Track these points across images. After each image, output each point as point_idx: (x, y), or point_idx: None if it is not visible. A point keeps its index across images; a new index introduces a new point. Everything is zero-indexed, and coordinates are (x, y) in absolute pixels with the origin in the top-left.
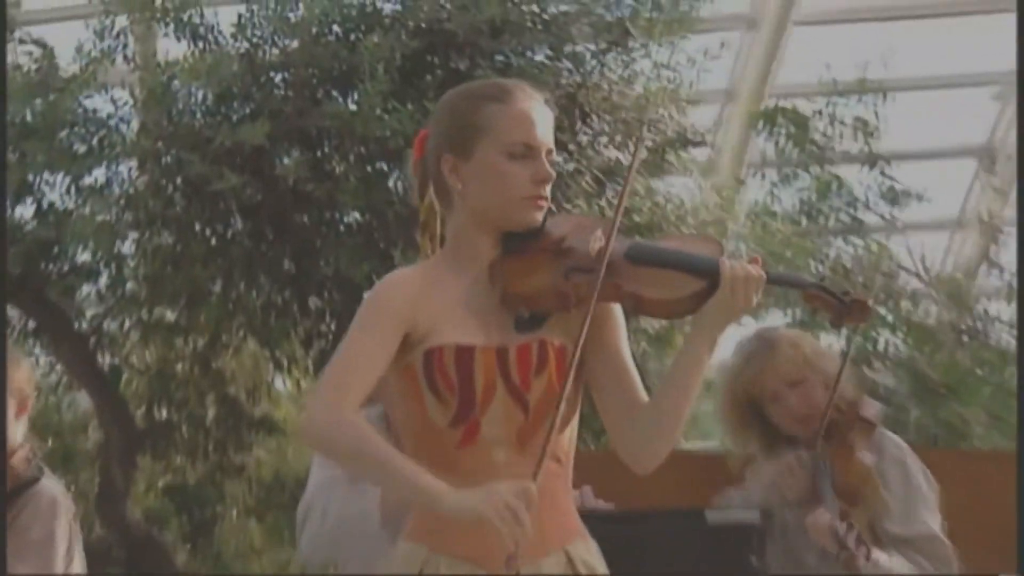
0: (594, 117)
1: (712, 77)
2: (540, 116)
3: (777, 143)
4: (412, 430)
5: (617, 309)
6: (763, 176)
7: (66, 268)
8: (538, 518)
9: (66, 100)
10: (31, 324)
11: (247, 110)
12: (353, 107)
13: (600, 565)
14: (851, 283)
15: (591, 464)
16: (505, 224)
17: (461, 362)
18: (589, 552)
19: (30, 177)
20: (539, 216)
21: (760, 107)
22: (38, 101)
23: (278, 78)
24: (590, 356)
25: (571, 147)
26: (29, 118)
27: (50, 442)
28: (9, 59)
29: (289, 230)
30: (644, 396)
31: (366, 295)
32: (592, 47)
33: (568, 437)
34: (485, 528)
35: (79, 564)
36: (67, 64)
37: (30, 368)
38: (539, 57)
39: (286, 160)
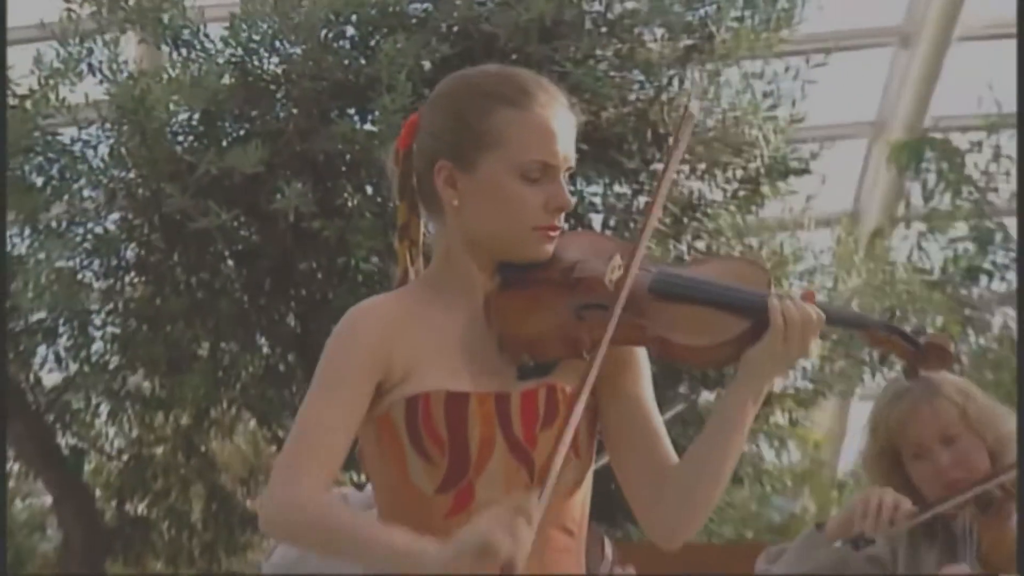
0: (669, 139)
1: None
2: (563, 126)
3: (925, 184)
4: (389, 497)
5: (641, 350)
6: (907, 225)
7: (19, 327)
8: None
9: (19, 121)
10: None
11: (239, 131)
12: (370, 127)
13: None
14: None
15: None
16: (506, 256)
17: (452, 412)
18: None
19: None
20: (549, 250)
21: (906, 137)
22: None
23: (278, 92)
24: (606, 406)
25: (642, 176)
26: None
27: None
28: None
29: (292, 279)
30: (672, 456)
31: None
32: (668, 53)
33: (580, 502)
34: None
35: None
36: (20, 77)
37: None
38: (602, 66)
39: (287, 192)
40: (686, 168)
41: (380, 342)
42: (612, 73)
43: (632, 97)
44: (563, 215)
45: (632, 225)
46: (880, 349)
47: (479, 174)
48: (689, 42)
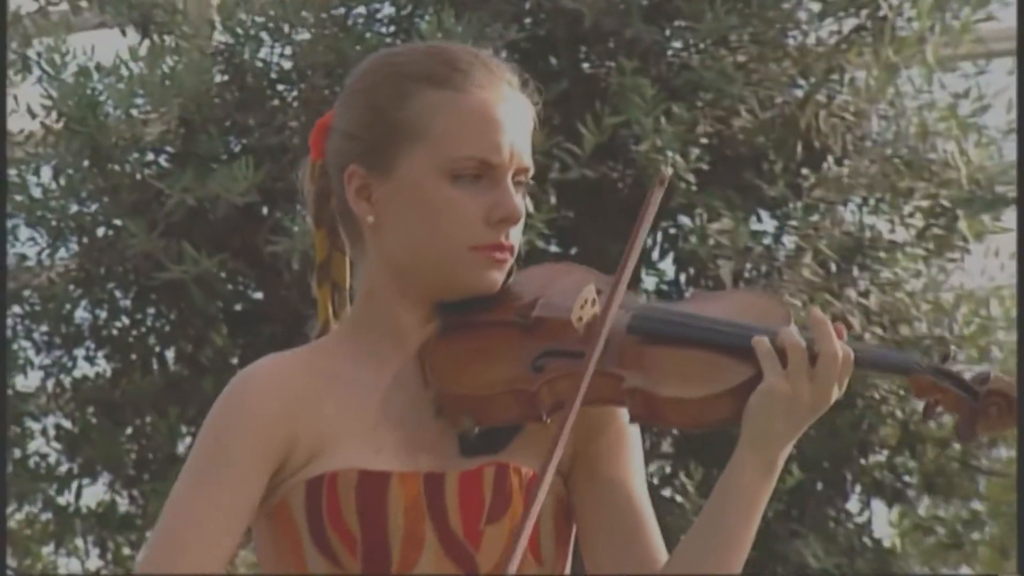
0: (829, 156)
1: None
2: (510, 113)
3: None
4: None
5: (625, 415)
6: None
7: None
8: None
9: None
10: None
11: (228, 147)
12: None
13: None
14: None
15: None
16: (440, 288)
17: (367, 497)
18: None
19: None
20: (496, 278)
21: None
22: None
23: (281, 94)
24: (580, 491)
25: (790, 205)
26: None
27: None
28: None
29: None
30: (660, 552)
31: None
32: (825, 37)
33: None
34: None
35: None
36: None
37: None
38: (740, 56)
39: (291, 229)
40: (856, 197)
41: (279, 417)
42: (751, 65)
43: (778, 99)
44: (515, 230)
45: (779, 276)
46: (926, 398)
47: (397, 178)
48: (856, 23)
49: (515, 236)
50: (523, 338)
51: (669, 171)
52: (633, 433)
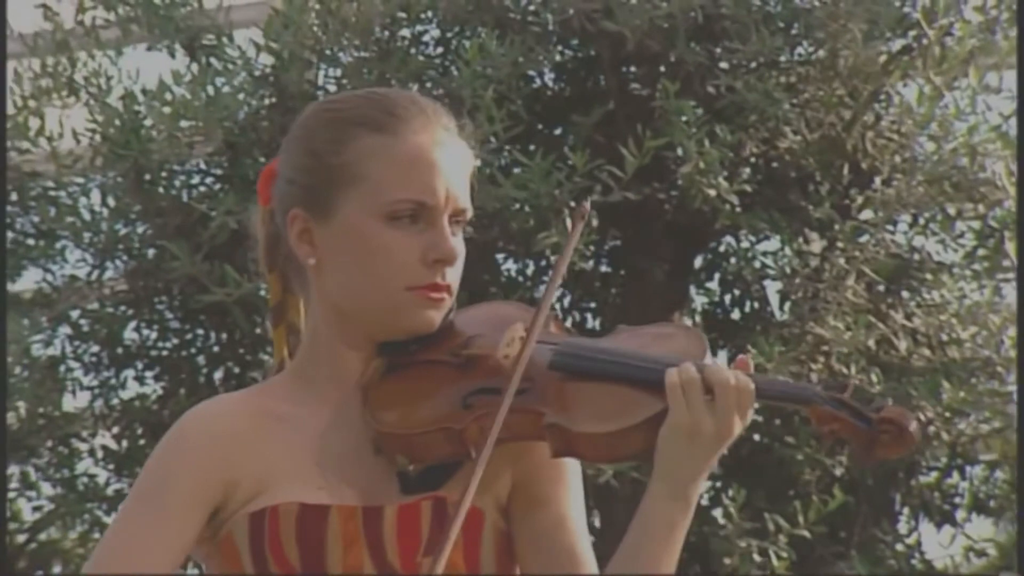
0: (876, 178)
1: None
2: (446, 157)
3: None
4: None
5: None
6: None
7: None
8: None
9: None
10: None
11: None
12: None
13: None
14: None
15: None
16: (380, 328)
17: (307, 530)
18: None
19: None
20: (433, 317)
21: None
22: None
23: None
24: (519, 525)
25: (836, 227)
26: None
27: None
28: None
29: None
30: None
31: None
32: (873, 56)
33: None
34: None
35: None
36: None
37: None
38: (787, 77)
39: None
40: (904, 218)
41: (216, 461)
42: (799, 86)
43: (827, 119)
44: (452, 270)
45: (824, 297)
46: (825, 430)
47: (336, 222)
48: (905, 43)
49: (452, 276)
50: (457, 376)
51: (587, 206)
52: (572, 466)
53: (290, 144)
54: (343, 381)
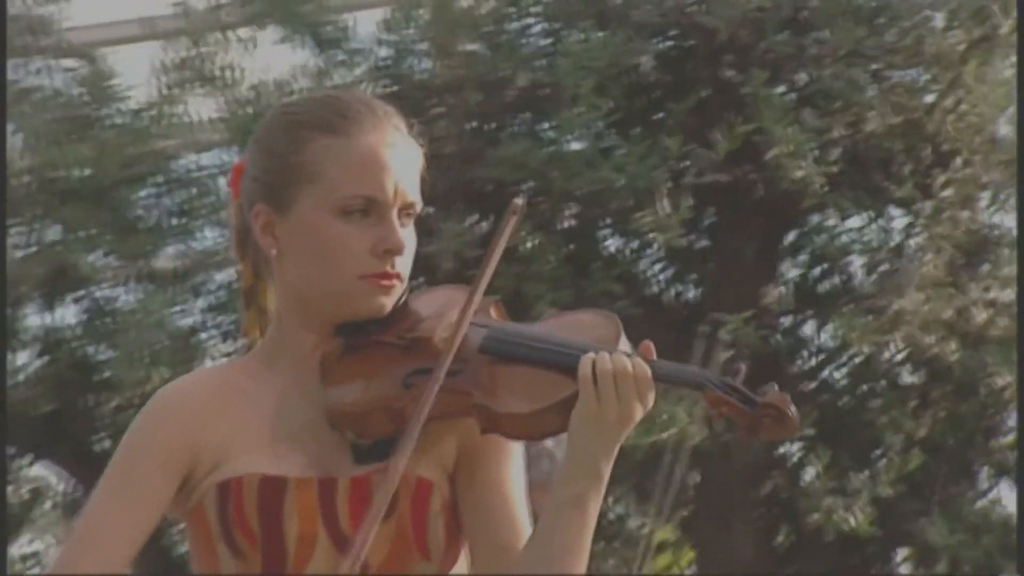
0: (956, 159)
1: None
2: (396, 157)
3: None
4: None
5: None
6: None
7: (134, 399)
8: None
9: (128, 145)
10: (79, 492)
11: None
12: (549, 148)
13: None
14: None
15: None
16: (335, 313)
17: (266, 499)
18: None
19: (72, 260)
20: (384, 302)
21: None
22: (83, 148)
23: (437, 106)
24: (462, 495)
25: (918, 205)
26: (75, 171)
27: None
28: (37, 81)
29: None
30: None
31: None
32: (954, 44)
33: None
34: None
35: None
36: (125, 89)
37: None
38: (874, 65)
39: (445, 231)
40: (985, 196)
41: (183, 432)
42: (885, 72)
43: (905, 101)
44: (401, 259)
45: (905, 271)
46: (717, 412)
47: (294, 216)
48: (981, 32)
49: (401, 264)
50: (401, 358)
51: (520, 201)
52: (513, 442)
53: (254, 144)
54: (303, 360)
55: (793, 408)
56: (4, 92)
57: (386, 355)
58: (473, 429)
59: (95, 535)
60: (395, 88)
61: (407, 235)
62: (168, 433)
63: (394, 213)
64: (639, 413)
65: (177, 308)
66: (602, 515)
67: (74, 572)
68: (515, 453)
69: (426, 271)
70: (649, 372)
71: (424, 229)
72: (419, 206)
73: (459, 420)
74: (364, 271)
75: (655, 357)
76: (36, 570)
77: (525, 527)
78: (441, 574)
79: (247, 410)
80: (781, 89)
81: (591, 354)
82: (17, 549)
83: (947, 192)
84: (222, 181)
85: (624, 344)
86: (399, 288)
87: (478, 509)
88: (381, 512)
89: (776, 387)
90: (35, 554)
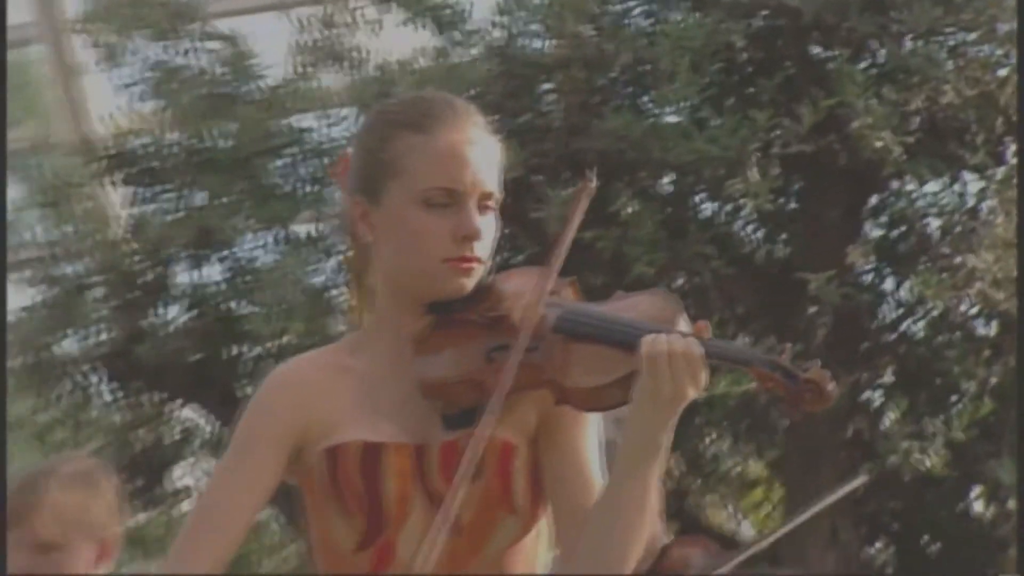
0: None
1: None
2: (474, 152)
3: None
4: (318, 558)
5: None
6: None
7: (272, 349)
8: None
9: (266, 119)
10: (224, 434)
11: (500, 129)
12: (648, 120)
13: None
14: None
15: None
16: (422, 293)
17: (367, 464)
18: None
19: (217, 223)
20: (465, 283)
21: None
22: (225, 123)
23: (545, 83)
24: (544, 458)
25: (990, 171)
26: (219, 142)
27: None
28: (184, 61)
29: None
30: None
31: None
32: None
33: (523, 561)
34: None
35: None
36: (263, 68)
37: (115, 494)
38: (951, 41)
39: (552, 199)
40: None
41: (293, 408)
42: (961, 48)
43: (984, 77)
44: (480, 244)
45: (977, 233)
46: (766, 387)
47: (385, 206)
48: None
49: (479, 249)
50: (484, 334)
51: (593, 181)
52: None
53: (355, 141)
54: (398, 338)
55: (832, 384)
56: (4, 91)
57: (471, 332)
58: (551, 399)
59: (218, 506)
60: (508, 66)
61: (486, 222)
62: (279, 414)
63: (472, 203)
64: (691, 390)
65: (310, 267)
66: (700, 456)
67: (199, 542)
68: (590, 421)
69: (536, 235)
70: (701, 351)
71: (534, 196)
72: (498, 195)
73: (536, 391)
74: (446, 255)
75: (710, 336)
76: (186, 504)
77: (597, 489)
78: (527, 525)
79: (350, 385)
80: (863, 65)
81: (656, 335)
82: (170, 484)
83: (1017, 159)
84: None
85: (684, 323)
86: (479, 270)
87: (556, 471)
88: (469, 474)
89: (819, 363)
90: (186, 488)
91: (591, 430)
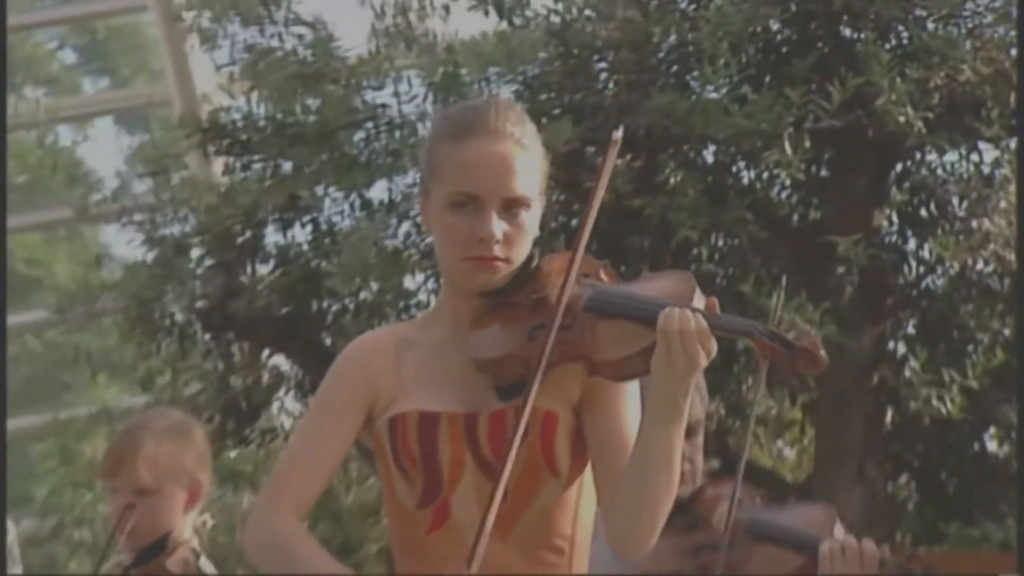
0: None
1: None
2: (499, 161)
3: None
4: (387, 513)
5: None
6: None
7: (351, 304)
8: None
9: (347, 96)
10: (308, 380)
11: (557, 107)
12: (692, 98)
13: None
14: None
15: None
16: (457, 284)
17: (424, 431)
18: None
19: (303, 191)
20: (487, 278)
21: None
22: (309, 100)
23: (599, 64)
24: (586, 423)
25: (1003, 142)
26: (305, 117)
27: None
28: (274, 44)
29: (621, 255)
30: None
31: None
32: None
33: (570, 519)
34: None
35: None
36: (344, 51)
37: (204, 445)
38: (970, 22)
39: None
40: None
41: (366, 376)
42: (978, 30)
43: (999, 57)
44: (503, 246)
45: (993, 200)
46: (763, 356)
47: (432, 202)
48: None
49: (501, 248)
50: (528, 315)
51: (618, 134)
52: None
53: (425, 141)
54: (456, 317)
55: (823, 351)
56: (4, 89)
57: (517, 313)
58: (584, 371)
59: (300, 461)
60: (564, 48)
61: (516, 223)
62: (352, 382)
63: (492, 208)
64: (703, 358)
65: (385, 230)
66: (739, 400)
67: (285, 489)
68: (629, 391)
69: (585, 204)
70: (706, 325)
71: (587, 167)
72: (529, 199)
73: (573, 364)
74: (467, 254)
75: (717, 311)
76: (277, 442)
77: (630, 448)
78: (568, 486)
79: (413, 359)
80: (888, 46)
81: (671, 310)
82: (260, 425)
83: (1017, 158)
84: (421, 128)
85: (698, 299)
86: (502, 267)
87: (597, 436)
88: (517, 442)
89: (811, 332)
90: (274, 428)
91: (630, 399)
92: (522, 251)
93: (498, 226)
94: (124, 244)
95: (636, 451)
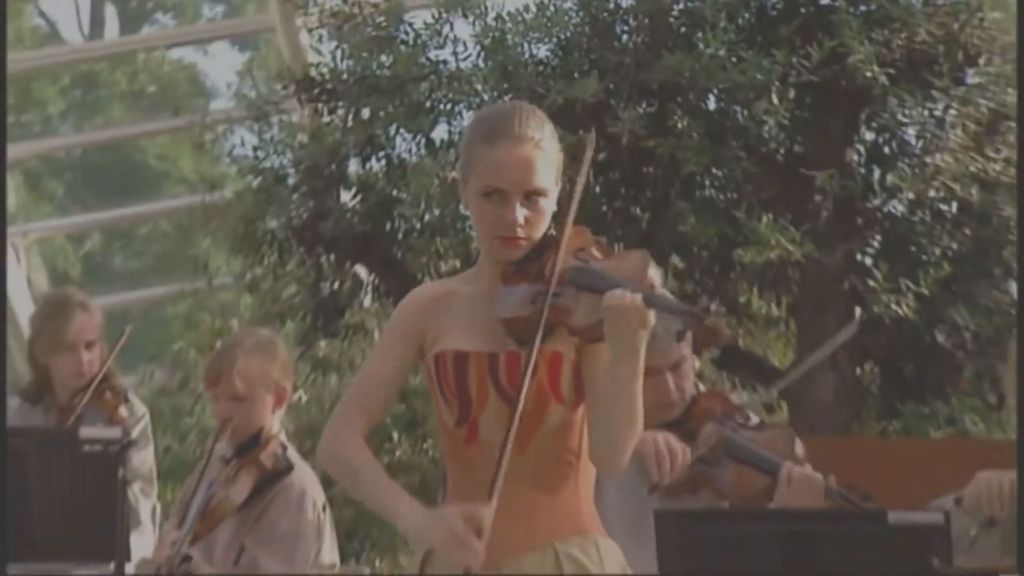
0: (981, 59)
1: None
2: (521, 162)
3: None
4: (439, 426)
5: None
6: None
7: (417, 225)
8: (530, 514)
9: (414, 54)
10: (383, 286)
11: (585, 65)
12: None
13: (595, 564)
14: None
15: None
16: (488, 253)
17: (458, 367)
18: (584, 551)
19: (378, 132)
20: (511, 253)
21: None
22: (383, 57)
23: (621, 28)
24: (583, 361)
25: (953, 92)
26: (380, 71)
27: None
28: (354, 11)
29: (638, 184)
30: None
31: None
32: None
33: (576, 436)
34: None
35: (328, 554)
36: (411, 16)
37: (286, 357)
38: None
39: (623, 117)
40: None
41: (418, 318)
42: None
43: (949, 22)
44: (525, 227)
45: (934, 139)
46: (687, 328)
47: (467, 191)
48: None
49: (524, 230)
50: (534, 284)
51: (591, 136)
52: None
53: (462, 137)
54: (490, 278)
55: (726, 328)
56: (4, 88)
57: (529, 281)
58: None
59: (366, 386)
60: (592, 15)
61: (535, 209)
62: (410, 321)
63: (516, 199)
64: (641, 329)
65: (445, 165)
66: (735, 301)
67: (353, 409)
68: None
69: (609, 145)
70: (641, 301)
71: (611, 114)
72: (546, 189)
73: (560, 327)
74: (496, 234)
75: (655, 290)
76: (359, 336)
77: None
78: (572, 410)
79: (455, 308)
80: (858, 13)
81: (618, 290)
82: (344, 321)
83: (973, 81)
84: (475, 80)
85: (652, 274)
86: (524, 244)
87: (588, 376)
88: (527, 378)
89: (723, 311)
90: (354, 324)
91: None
92: (540, 229)
93: (520, 213)
94: (232, 179)
95: (600, 393)
